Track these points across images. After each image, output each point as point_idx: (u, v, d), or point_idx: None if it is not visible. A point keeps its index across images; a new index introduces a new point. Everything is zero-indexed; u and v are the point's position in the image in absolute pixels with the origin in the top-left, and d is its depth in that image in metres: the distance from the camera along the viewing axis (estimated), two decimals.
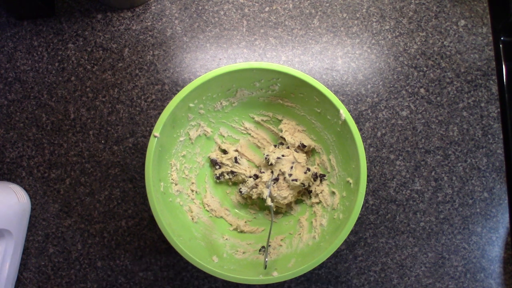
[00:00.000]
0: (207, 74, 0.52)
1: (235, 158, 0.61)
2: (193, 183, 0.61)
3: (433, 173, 0.63)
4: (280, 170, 0.59)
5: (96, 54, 0.64)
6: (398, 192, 0.63)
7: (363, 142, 0.53)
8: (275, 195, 0.58)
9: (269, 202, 0.57)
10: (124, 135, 0.63)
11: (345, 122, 0.52)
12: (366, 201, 0.63)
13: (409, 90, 0.65)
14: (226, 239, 0.59)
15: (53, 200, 0.63)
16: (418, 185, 0.63)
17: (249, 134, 0.64)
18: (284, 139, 0.62)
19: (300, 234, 0.58)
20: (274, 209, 0.60)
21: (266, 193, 0.58)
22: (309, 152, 0.62)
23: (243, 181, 0.62)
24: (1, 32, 0.65)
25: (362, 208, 0.52)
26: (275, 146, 0.62)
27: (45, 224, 0.62)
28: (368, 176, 0.63)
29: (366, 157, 0.57)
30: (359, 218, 0.62)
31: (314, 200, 0.60)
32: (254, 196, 0.60)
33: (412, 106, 0.64)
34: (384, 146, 0.64)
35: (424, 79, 0.65)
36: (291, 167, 0.59)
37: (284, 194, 0.59)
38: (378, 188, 0.63)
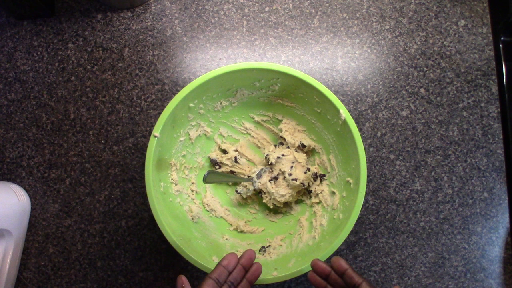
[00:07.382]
0: (207, 74, 0.52)
1: (235, 158, 0.61)
2: (193, 183, 0.61)
3: (433, 173, 0.63)
4: (280, 169, 0.59)
5: (96, 54, 0.64)
6: (398, 192, 0.63)
7: (363, 142, 0.53)
8: (272, 191, 0.58)
9: (255, 183, 0.59)
10: (124, 135, 0.63)
11: (345, 122, 0.52)
12: (366, 201, 0.63)
13: (409, 90, 0.65)
14: (226, 239, 0.59)
15: (53, 200, 0.63)
16: (418, 185, 0.63)
17: (249, 134, 0.64)
18: (284, 139, 0.62)
19: (300, 234, 0.58)
20: (271, 206, 0.60)
21: (255, 178, 0.59)
22: (309, 152, 0.62)
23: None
24: (1, 32, 0.65)
25: (362, 208, 0.52)
26: (275, 146, 0.62)
27: (45, 224, 0.62)
28: (368, 176, 0.63)
29: (366, 157, 0.57)
30: (359, 218, 0.62)
31: (314, 200, 0.60)
32: (251, 192, 0.60)
33: (412, 106, 0.64)
34: (384, 146, 0.64)
35: (424, 79, 0.65)
36: (291, 167, 0.59)
37: (282, 192, 0.59)
38: (378, 188, 0.63)
